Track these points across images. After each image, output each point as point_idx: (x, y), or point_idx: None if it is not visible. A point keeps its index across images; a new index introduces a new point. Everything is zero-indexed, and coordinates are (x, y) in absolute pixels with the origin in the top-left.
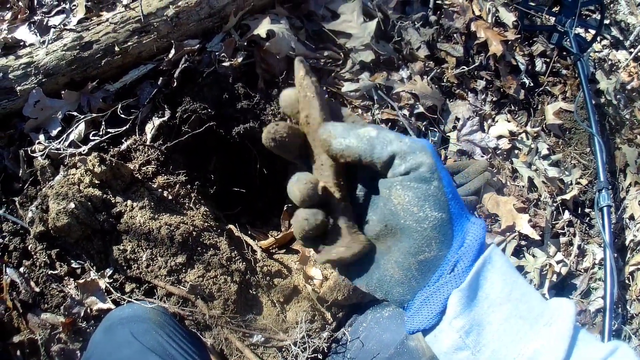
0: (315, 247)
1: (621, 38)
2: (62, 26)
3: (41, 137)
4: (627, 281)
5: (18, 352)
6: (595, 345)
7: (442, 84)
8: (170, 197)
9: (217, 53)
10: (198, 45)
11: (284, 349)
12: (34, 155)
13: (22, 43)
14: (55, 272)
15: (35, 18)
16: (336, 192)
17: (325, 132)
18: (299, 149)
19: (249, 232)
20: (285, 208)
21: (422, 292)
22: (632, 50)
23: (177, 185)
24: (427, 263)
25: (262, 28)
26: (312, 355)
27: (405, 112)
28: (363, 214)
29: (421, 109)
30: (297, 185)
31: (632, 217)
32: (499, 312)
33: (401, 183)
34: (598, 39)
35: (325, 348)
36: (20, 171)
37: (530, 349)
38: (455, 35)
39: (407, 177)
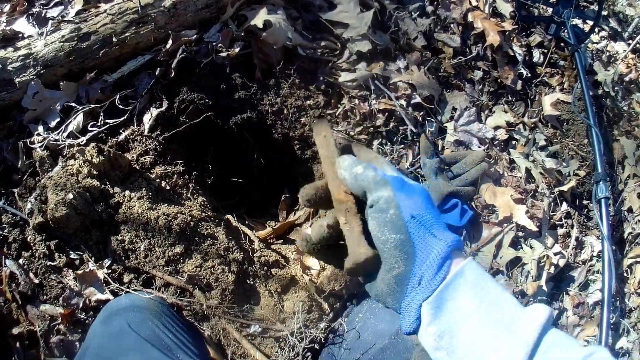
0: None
1: (619, 29)
2: (60, 18)
3: (40, 128)
4: (625, 274)
5: (17, 344)
6: (568, 350)
7: (439, 74)
8: (168, 187)
9: (214, 43)
10: (195, 36)
11: (281, 340)
12: (33, 146)
13: (20, 35)
14: (54, 263)
15: (34, 10)
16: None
17: (336, 162)
18: (327, 200)
19: (247, 222)
20: (282, 198)
21: (403, 301)
22: (630, 41)
23: (175, 176)
24: (400, 278)
25: (259, 18)
26: (309, 346)
27: (403, 102)
28: None
29: (418, 99)
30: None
31: (630, 210)
32: (470, 321)
33: (370, 214)
34: (596, 30)
35: (322, 338)
36: (20, 162)
37: (496, 358)
38: (452, 25)
39: (372, 209)
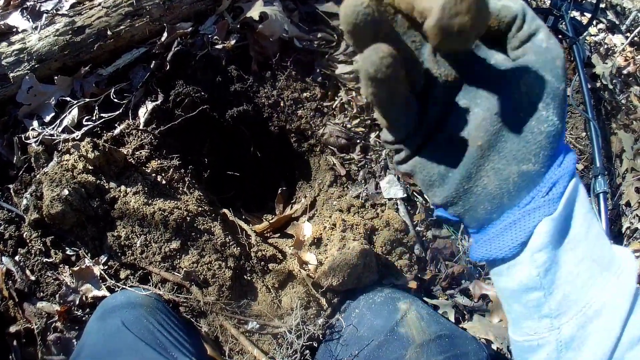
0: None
1: (617, 22)
2: (54, 11)
3: (35, 123)
4: None
5: (15, 342)
6: None
7: None
8: (164, 182)
9: (210, 36)
10: (191, 28)
11: (279, 336)
12: (28, 141)
13: (14, 29)
14: (50, 259)
15: (28, 4)
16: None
17: None
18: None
19: (243, 217)
20: (279, 191)
21: (510, 212)
22: (628, 34)
23: (171, 170)
24: (526, 177)
25: (255, 10)
26: (308, 343)
27: None
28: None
29: None
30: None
31: (628, 204)
32: (576, 251)
33: (536, 73)
34: (594, 22)
35: (320, 335)
36: (15, 158)
37: (599, 301)
38: None
39: (542, 68)
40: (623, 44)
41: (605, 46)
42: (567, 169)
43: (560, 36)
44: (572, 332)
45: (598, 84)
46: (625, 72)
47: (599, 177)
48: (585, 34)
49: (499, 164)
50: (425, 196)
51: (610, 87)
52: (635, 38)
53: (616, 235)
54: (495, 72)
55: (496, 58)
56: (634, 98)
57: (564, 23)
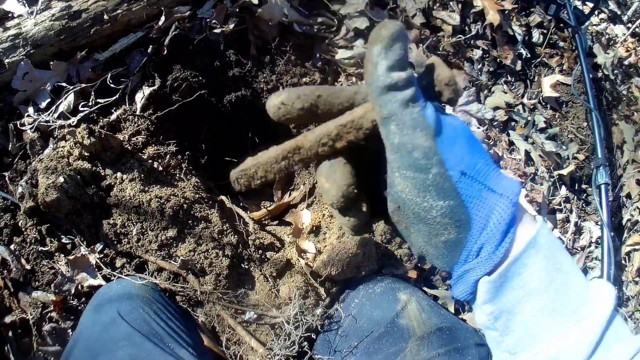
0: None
1: (619, 13)
2: None
3: (30, 109)
4: (623, 262)
5: (10, 333)
6: (624, 341)
7: (438, 52)
8: (160, 168)
9: (208, 20)
10: (189, 12)
11: (276, 326)
12: (23, 128)
13: (10, 15)
14: (46, 248)
15: None
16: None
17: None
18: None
19: (241, 204)
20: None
21: (456, 266)
22: (629, 25)
23: (168, 156)
24: (451, 244)
25: None
26: (306, 334)
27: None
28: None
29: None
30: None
31: (629, 196)
32: (533, 303)
33: (399, 171)
34: (596, 12)
35: (319, 326)
36: (10, 145)
37: (553, 349)
38: (451, 3)
39: (401, 165)
40: (624, 34)
41: (607, 36)
42: (495, 230)
43: (562, 24)
44: None
45: (599, 74)
46: (626, 62)
47: (601, 168)
48: (587, 23)
49: (425, 239)
50: None
51: (612, 77)
52: (637, 29)
53: (616, 227)
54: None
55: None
56: (635, 89)
57: (566, 12)
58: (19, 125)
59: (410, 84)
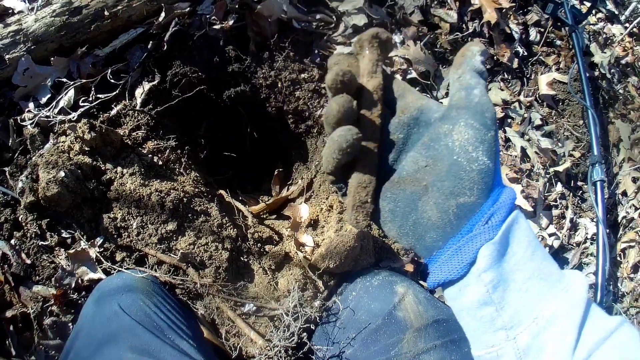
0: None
1: (616, 12)
2: None
3: (31, 105)
4: (618, 258)
5: (11, 327)
6: (604, 317)
7: (436, 49)
8: (160, 163)
9: (207, 16)
10: (189, 8)
11: (275, 318)
12: (24, 124)
13: (10, 11)
14: (46, 242)
15: None
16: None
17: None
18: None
19: (240, 198)
20: (276, 172)
21: (454, 239)
22: (627, 25)
23: (168, 151)
24: (465, 208)
25: None
26: (305, 326)
27: (398, 77)
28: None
29: (414, 74)
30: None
31: (624, 193)
32: (524, 271)
33: (466, 122)
34: (593, 11)
35: (317, 318)
36: (10, 140)
37: (550, 311)
38: (449, 1)
39: (473, 117)
40: (622, 34)
41: (604, 35)
42: (505, 202)
43: (559, 23)
44: (528, 341)
45: (596, 73)
46: (623, 62)
47: (596, 165)
48: (584, 22)
49: (439, 199)
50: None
51: (609, 76)
52: (634, 29)
53: (612, 224)
54: (434, 123)
55: (435, 116)
56: (631, 88)
57: (563, 10)
58: (19, 121)
59: (485, 80)
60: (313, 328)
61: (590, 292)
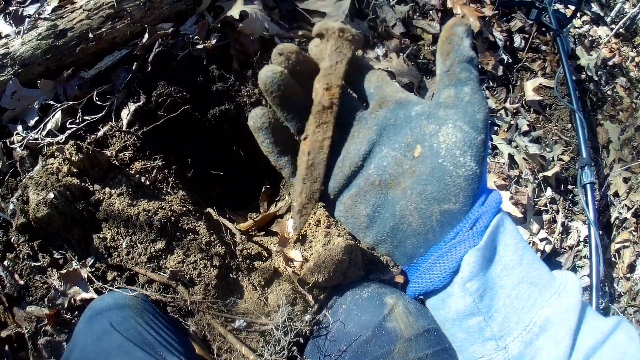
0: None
1: (602, 14)
2: (36, 15)
3: (19, 127)
4: (613, 259)
5: (7, 347)
6: (600, 319)
7: (419, 60)
8: (148, 183)
9: (190, 36)
10: (171, 29)
11: (266, 333)
12: (13, 146)
13: None
14: (39, 263)
15: (11, 9)
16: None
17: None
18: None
19: (228, 215)
20: (263, 189)
21: (436, 247)
22: (613, 26)
23: (155, 170)
24: (449, 215)
25: (235, 9)
26: (295, 339)
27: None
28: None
29: None
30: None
31: (616, 194)
32: (512, 277)
33: (454, 123)
34: (578, 15)
35: (308, 331)
36: (0, 163)
37: (542, 317)
38: (431, 12)
39: (462, 119)
40: (608, 35)
41: (590, 38)
42: (490, 206)
43: (544, 28)
44: (520, 349)
45: (583, 76)
46: (610, 63)
47: (586, 168)
48: (569, 25)
49: (421, 204)
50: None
51: (596, 78)
52: (621, 29)
53: (605, 225)
54: (415, 119)
55: (416, 110)
56: (620, 89)
57: (547, 15)
58: (8, 144)
59: (476, 67)
60: (303, 342)
61: (586, 294)
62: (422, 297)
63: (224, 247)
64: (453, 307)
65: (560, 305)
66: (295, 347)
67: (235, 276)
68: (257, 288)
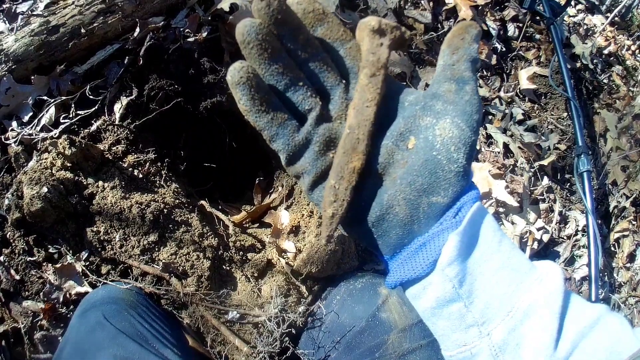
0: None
1: (597, 2)
2: (29, 12)
3: (14, 123)
4: (612, 248)
5: (3, 342)
6: (587, 305)
7: (411, 50)
8: (141, 176)
9: (181, 29)
10: (162, 22)
11: (259, 325)
12: (8, 142)
13: None
14: (34, 258)
15: (4, 6)
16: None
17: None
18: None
19: (221, 207)
20: (257, 181)
21: (420, 237)
22: (608, 14)
23: (148, 164)
24: (435, 208)
25: (226, 2)
26: (287, 331)
27: None
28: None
29: None
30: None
31: (614, 183)
32: (491, 262)
33: (453, 119)
34: (572, 3)
35: (302, 322)
36: None
37: (525, 303)
38: (422, 1)
39: (459, 116)
40: (603, 24)
41: (585, 27)
42: (471, 196)
43: (538, 17)
44: (503, 336)
45: (578, 64)
46: (606, 52)
47: (582, 155)
48: (563, 14)
49: (410, 195)
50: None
51: (591, 67)
52: (616, 18)
53: (603, 215)
54: (409, 109)
55: (409, 100)
56: (616, 77)
57: (541, 4)
58: (3, 140)
59: (477, 70)
60: (296, 333)
61: (585, 284)
62: (401, 286)
63: (217, 239)
64: (433, 295)
65: (544, 290)
66: (288, 339)
67: (228, 268)
68: (251, 280)
